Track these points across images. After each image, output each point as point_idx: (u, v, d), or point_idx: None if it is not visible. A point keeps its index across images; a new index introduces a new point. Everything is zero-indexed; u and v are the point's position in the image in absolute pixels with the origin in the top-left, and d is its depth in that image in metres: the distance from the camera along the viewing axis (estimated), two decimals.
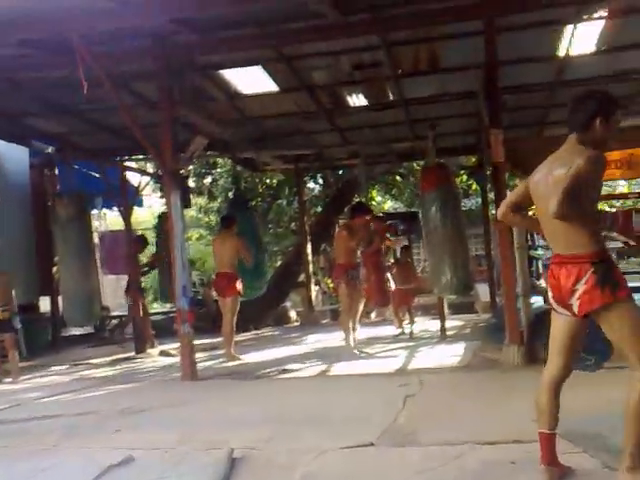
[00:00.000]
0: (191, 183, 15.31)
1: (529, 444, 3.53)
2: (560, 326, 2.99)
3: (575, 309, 2.86)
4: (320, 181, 15.99)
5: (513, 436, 3.70)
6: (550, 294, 3.00)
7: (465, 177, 14.60)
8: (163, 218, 10.40)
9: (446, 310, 9.57)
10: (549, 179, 2.92)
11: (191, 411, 5.19)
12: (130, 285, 9.79)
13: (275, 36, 6.49)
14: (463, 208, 17.12)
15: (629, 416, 2.81)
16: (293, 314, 13.11)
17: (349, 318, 7.86)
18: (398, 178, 15.54)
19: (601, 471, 3.05)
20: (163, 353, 9.00)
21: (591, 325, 6.12)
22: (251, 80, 7.72)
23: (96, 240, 11.93)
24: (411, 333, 9.22)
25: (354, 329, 8.00)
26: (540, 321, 6.25)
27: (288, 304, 13.50)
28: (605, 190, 15.54)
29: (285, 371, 6.90)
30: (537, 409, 3.09)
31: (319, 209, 15.39)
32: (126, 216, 10.01)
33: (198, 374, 6.69)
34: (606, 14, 6.22)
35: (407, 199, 17.07)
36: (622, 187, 15.98)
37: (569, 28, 6.55)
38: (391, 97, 8.64)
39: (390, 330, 9.73)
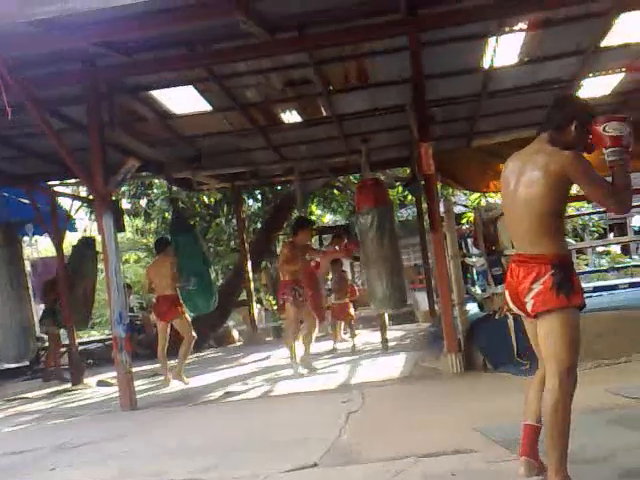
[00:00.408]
0: (126, 205, 15.03)
1: (468, 454, 3.59)
2: (528, 328, 3.04)
3: (529, 308, 2.85)
4: (259, 197, 15.95)
5: (453, 446, 3.74)
6: (507, 296, 3.01)
7: (400, 188, 14.82)
8: (79, 244, 10.27)
9: (387, 321, 9.66)
10: (521, 179, 2.91)
11: (131, 442, 5.03)
12: (45, 314, 9.64)
13: (205, 56, 6.49)
14: (400, 219, 17.52)
15: (546, 424, 2.82)
16: (236, 333, 12.96)
17: (294, 336, 7.81)
18: (336, 191, 15.65)
19: (535, 477, 3.10)
20: (101, 383, 8.75)
21: (521, 329, 6.27)
22: (184, 100, 7.65)
23: (28, 268, 11.54)
24: (353, 347, 9.24)
25: (307, 349, 7.91)
26: (476, 328, 6.39)
27: (230, 323, 13.34)
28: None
29: (228, 394, 6.79)
30: (525, 402, 3.09)
31: (259, 225, 15.34)
32: (57, 242, 9.72)
33: (138, 403, 6.52)
34: (526, 26, 6.44)
35: (345, 212, 17.22)
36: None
37: (492, 40, 6.73)
38: (324, 113, 8.70)
39: (331, 345, 9.74)
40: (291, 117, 8.82)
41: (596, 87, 8.55)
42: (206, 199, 15.30)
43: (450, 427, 4.23)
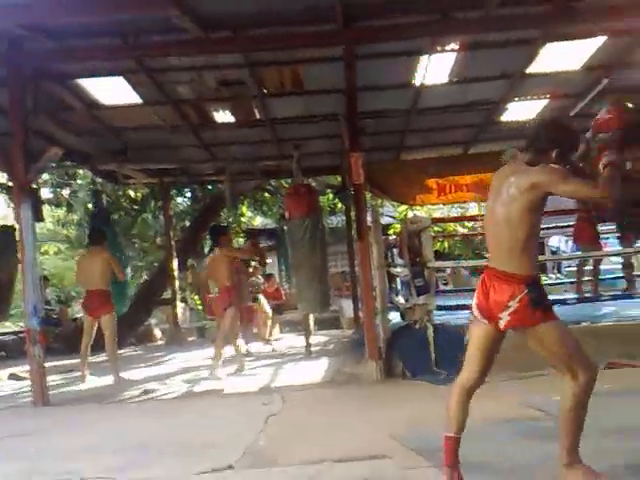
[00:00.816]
0: (48, 194, 14.49)
1: (383, 460, 3.67)
2: (478, 334, 3.09)
3: (502, 323, 2.96)
4: (188, 195, 15.71)
5: (369, 452, 3.81)
6: (475, 301, 3.07)
7: (331, 196, 14.97)
8: None
9: (312, 326, 9.73)
10: (498, 198, 3.00)
11: (42, 440, 4.86)
12: None
13: (137, 47, 6.36)
14: (330, 226, 17.66)
15: (564, 418, 2.96)
16: (158, 332, 12.71)
17: (227, 341, 7.76)
18: (267, 195, 15.64)
19: None
20: (13, 376, 8.39)
21: (440, 339, 6.45)
22: (113, 91, 7.47)
23: None
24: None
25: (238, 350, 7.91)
26: (397, 337, 6.54)
27: (152, 322, 13.08)
28: (457, 212, 16.64)
29: (145, 393, 6.66)
30: (447, 413, 3.16)
31: (187, 224, 15.12)
32: None
33: (51, 399, 6.30)
34: (457, 47, 6.66)
35: (276, 215, 17.22)
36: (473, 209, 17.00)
37: (424, 58, 6.93)
38: (257, 115, 8.70)
39: (255, 347, 9.72)
40: (224, 117, 8.77)
41: (521, 111, 8.92)
42: (132, 193, 14.96)
43: (367, 433, 4.31)
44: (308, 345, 8.79)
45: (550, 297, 3.09)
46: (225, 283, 7.63)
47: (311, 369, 7.41)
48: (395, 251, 9.40)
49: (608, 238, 15.55)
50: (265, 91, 7.82)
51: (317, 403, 5.62)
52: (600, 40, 6.57)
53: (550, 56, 6.84)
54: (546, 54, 6.78)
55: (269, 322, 10.48)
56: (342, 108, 6.99)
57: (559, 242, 17.68)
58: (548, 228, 10.15)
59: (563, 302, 6.93)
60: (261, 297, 10.55)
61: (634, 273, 8.57)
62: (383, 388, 5.97)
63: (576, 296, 8.25)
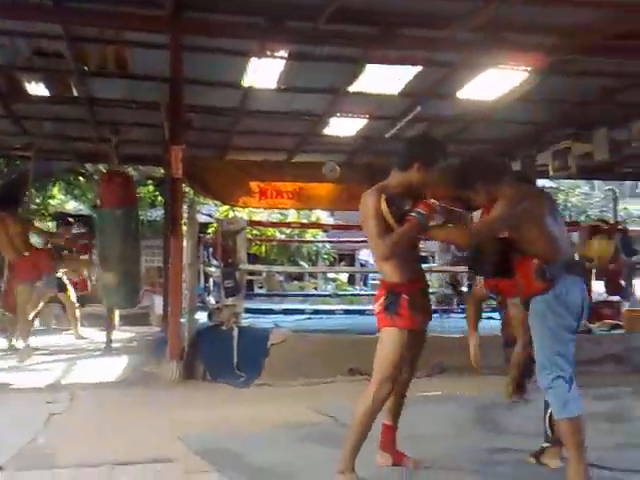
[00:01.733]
0: None
1: (166, 464, 3.56)
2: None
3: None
4: None
5: (153, 455, 3.68)
6: None
7: (152, 188, 14.49)
8: None
9: (117, 321, 9.27)
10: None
11: None
12: None
13: None
14: (149, 218, 17.06)
15: (351, 424, 3.15)
16: None
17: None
18: (82, 179, 14.74)
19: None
20: None
21: (244, 342, 6.45)
22: None
23: None
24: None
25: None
26: (201, 337, 6.44)
27: None
28: (277, 218, 16.93)
29: None
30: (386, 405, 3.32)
31: None
32: None
33: None
34: (286, 55, 6.74)
35: (90, 201, 16.27)
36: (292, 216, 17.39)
37: (254, 61, 6.92)
38: (75, 93, 8.14)
39: (54, 340, 9.06)
40: (37, 89, 8.08)
41: (342, 126, 9.27)
42: None
43: (155, 435, 4.17)
44: (109, 341, 8.36)
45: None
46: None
47: (108, 366, 7.02)
48: (211, 250, 9.33)
49: None
50: (86, 68, 7.34)
51: (108, 403, 5.33)
52: (416, 69, 7.00)
53: (371, 77, 7.14)
54: (368, 75, 7.07)
55: (77, 313, 9.80)
56: (166, 98, 6.76)
57: (368, 256, 18.76)
58: (357, 242, 10.70)
59: (362, 312, 7.31)
60: (69, 286, 9.83)
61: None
62: (181, 389, 5.84)
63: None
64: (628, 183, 21.25)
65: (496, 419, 4.60)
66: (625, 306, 7.38)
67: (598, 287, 8.67)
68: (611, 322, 7.37)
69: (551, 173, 9.80)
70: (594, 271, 7.93)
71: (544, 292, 3.06)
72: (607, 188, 16.54)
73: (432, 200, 3.12)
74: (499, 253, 3.26)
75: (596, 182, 19.93)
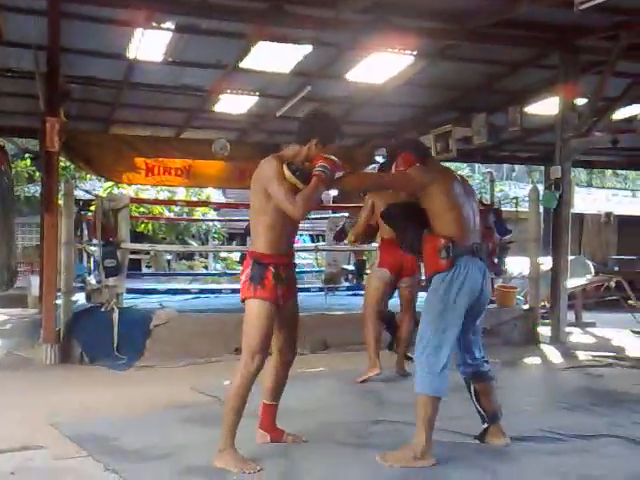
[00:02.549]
0: None
1: (36, 451, 3.39)
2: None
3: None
4: None
5: (23, 442, 3.49)
6: None
7: (29, 162, 13.63)
8: None
9: None
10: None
11: None
12: None
13: None
14: (27, 194, 16.07)
15: (225, 400, 3.16)
16: None
17: None
18: None
19: (102, 474, 3.07)
20: None
21: (125, 324, 6.24)
22: None
23: None
24: None
25: None
26: (79, 319, 6.15)
27: None
28: (166, 196, 16.50)
29: None
30: (263, 384, 3.37)
31: None
32: None
33: None
34: (173, 27, 6.51)
35: None
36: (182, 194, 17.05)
37: (139, 32, 6.63)
38: None
39: None
40: None
41: (232, 103, 9.11)
42: None
43: (26, 422, 3.95)
44: None
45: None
46: None
47: None
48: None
49: (302, 236, 16.89)
50: None
51: None
52: (307, 49, 6.98)
53: (262, 55, 7.05)
54: (258, 52, 6.97)
55: None
56: (42, 67, 6.36)
57: None
58: (248, 220, 10.55)
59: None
60: None
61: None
62: (56, 374, 5.57)
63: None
64: (506, 166, 22.58)
65: (378, 392, 4.73)
66: (497, 282, 7.77)
67: None
68: None
69: (434, 155, 10.14)
70: None
71: (446, 270, 3.16)
72: (486, 171, 17.39)
73: (331, 156, 3.13)
74: (416, 231, 3.32)
75: (476, 165, 20.91)
